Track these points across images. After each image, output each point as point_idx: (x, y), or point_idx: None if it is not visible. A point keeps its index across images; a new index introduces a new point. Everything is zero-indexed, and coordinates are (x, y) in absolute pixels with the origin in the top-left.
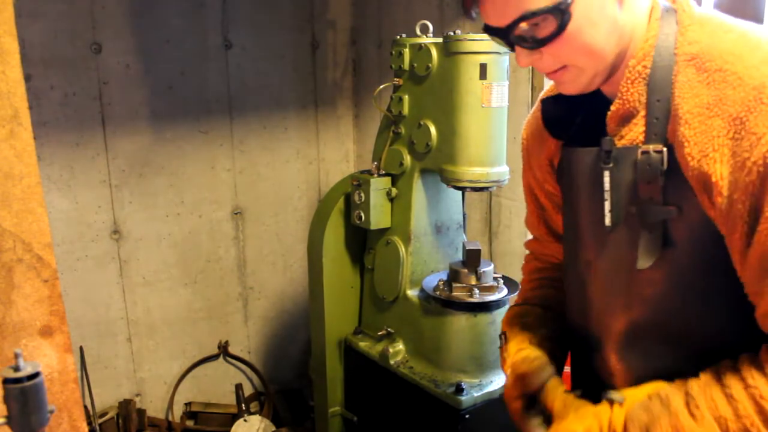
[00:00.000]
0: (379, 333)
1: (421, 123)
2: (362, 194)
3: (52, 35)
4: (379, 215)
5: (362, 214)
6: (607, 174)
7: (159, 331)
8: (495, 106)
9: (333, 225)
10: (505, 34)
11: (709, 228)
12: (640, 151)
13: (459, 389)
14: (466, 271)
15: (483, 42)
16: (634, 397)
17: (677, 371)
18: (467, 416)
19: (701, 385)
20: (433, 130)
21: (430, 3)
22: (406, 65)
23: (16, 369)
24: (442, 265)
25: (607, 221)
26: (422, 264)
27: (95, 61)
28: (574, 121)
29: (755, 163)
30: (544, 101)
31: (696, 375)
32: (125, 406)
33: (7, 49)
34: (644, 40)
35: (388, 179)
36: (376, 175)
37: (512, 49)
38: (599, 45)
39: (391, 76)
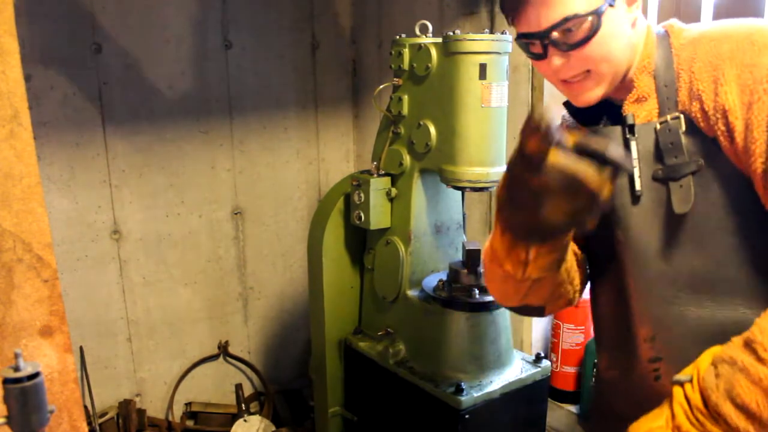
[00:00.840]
0: (379, 333)
1: (421, 123)
2: (362, 194)
3: (52, 35)
4: (378, 215)
5: (362, 214)
6: (634, 143)
7: (159, 331)
8: (495, 106)
9: (333, 225)
10: (541, 38)
11: (735, 175)
12: (658, 122)
13: (459, 389)
14: (466, 271)
15: (483, 42)
16: (699, 371)
17: (721, 321)
18: (467, 416)
19: (757, 331)
20: (432, 130)
21: (430, 3)
22: (405, 65)
23: (16, 369)
24: (442, 265)
25: (638, 186)
26: (422, 264)
27: (95, 61)
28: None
29: (756, 87)
30: (566, 103)
31: (736, 323)
32: (125, 406)
33: (7, 49)
34: (646, 45)
35: (387, 179)
36: (375, 175)
37: (537, 57)
38: (618, 54)
39: (391, 76)
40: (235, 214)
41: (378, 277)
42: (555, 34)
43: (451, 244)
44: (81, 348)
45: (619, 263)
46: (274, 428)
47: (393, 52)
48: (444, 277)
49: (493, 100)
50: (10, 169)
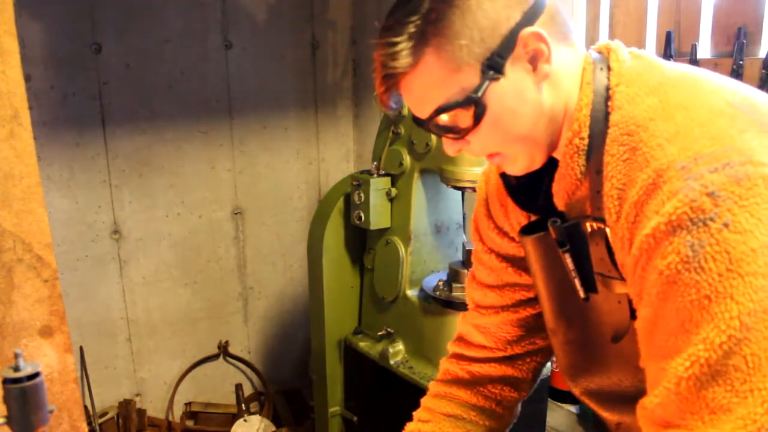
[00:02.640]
0: (379, 333)
1: None
2: (362, 194)
3: (52, 35)
4: (378, 215)
5: (362, 214)
6: (568, 257)
7: (159, 331)
8: None
9: (333, 225)
10: (428, 127)
11: None
12: (588, 223)
13: None
14: (465, 271)
15: None
16: None
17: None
18: None
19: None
20: None
21: None
22: None
23: (16, 369)
24: (442, 265)
25: (581, 294)
26: (422, 264)
27: (95, 61)
28: (541, 189)
29: (636, 244)
30: (503, 175)
31: None
32: (125, 406)
33: (7, 49)
34: (578, 110)
35: (387, 179)
36: (375, 175)
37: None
38: (525, 131)
39: None
40: (235, 214)
41: (378, 277)
42: (438, 124)
43: (451, 244)
44: (81, 348)
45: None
46: (274, 428)
47: None
48: (444, 277)
49: None
50: (10, 169)
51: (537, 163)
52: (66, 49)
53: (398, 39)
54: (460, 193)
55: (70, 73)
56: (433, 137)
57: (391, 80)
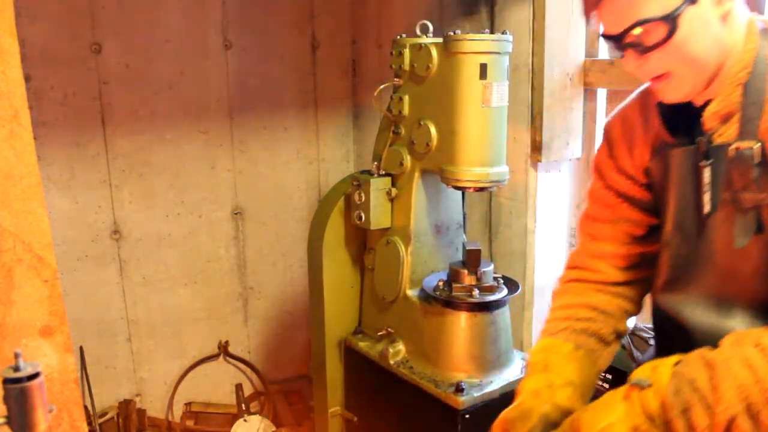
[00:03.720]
0: (379, 333)
1: (421, 123)
2: (362, 194)
3: (52, 35)
4: (379, 215)
5: (362, 214)
6: (707, 170)
7: (159, 331)
8: (495, 106)
9: (333, 225)
10: (618, 40)
11: None
12: (734, 147)
13: (459, 389)
14: (466, 271)
15: (483, 42)
16: (661, 384)
17: None
18: (467, 416)
19: (717, 355)
20: (433, 130)
21: (430, 3)
22: (406, 65)
23: (16, 369)
24: (442, 265)
25: (707, 209)
26: (422, 264)
27: (95, 61)
28: (688, 117)
29: None
30: (659, 104)
31: None
32: (125, 406)
33: (7, 49)
34: (744, 51)
35: (388, 179)
36: (376, 175)
37: (620, 56)
38: (701, 56)
39: (391, 76)
40: (235, 214)
41: (378, 277)
42: (629, 38)
43: (451, 244)
44: (81, 348)
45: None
46: (274, 428)
47: (393, 52)
48: (444, 277)
49: (494, 100)
50: (10, 169)
51: (696, 90)
52: (66, 49)
53: None
54: (460, 193)
55: (70, 73)
56: (433, 137)
57: None
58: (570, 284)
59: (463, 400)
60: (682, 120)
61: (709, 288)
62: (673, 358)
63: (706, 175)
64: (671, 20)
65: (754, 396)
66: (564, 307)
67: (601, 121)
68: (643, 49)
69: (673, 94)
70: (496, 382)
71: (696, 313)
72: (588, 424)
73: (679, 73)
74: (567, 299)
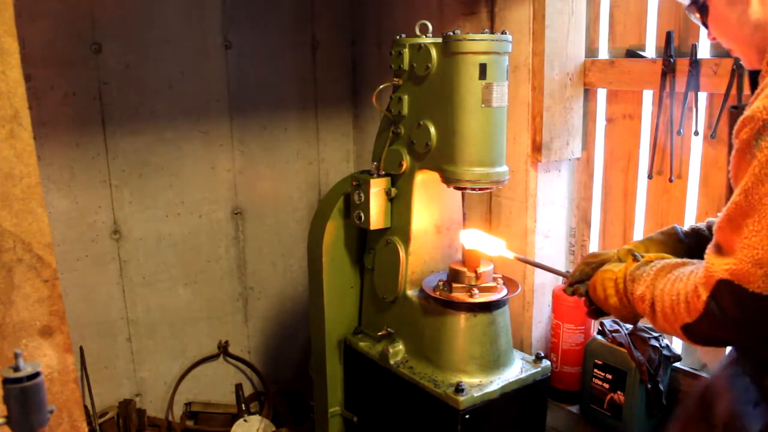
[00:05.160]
0: (379, 333)
1: (421, 123)
2: (362, 194)
3: (52, 35)
4: (378, 215)
5: (362, 214)
6: None
7: (159, 331)
8: (495, 106)
9: (333, 225)
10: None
11: None
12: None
13: (459, 389)
14: (466, 271)
15: (483, 42)
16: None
17: None
18: (467, 416)
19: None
20: (432, 130)
21: (430, 3)
22: (405, 65)
23: (16, 369)
24: (442, 265)
25: None
26: (422, 264)
27: (95, 61)
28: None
29: None
30: (748, 72)
31: None
32: (125, 406)
33: (7, 49)
34: None
35: (387, 179)
36: (375, 175)
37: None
38: (733, 34)
39: (391, 76)
40: (235, 214)
41: (378, 277)
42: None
43: (451, 244)
44: (81, 348)
45: None
46: (274, 428)
47: (393, 52)
48: (444, 277)
49: (494, 100)
50: (10, 169)
51: (752, 63)
52: (66, 49)
53: None
54: (460, 193)
55: (70, 73)
56: (433, 137)
57: None
58: None
59: (463, 400)
60: None
61: None
62: (662, 255)
63: None
64: (699, 6)
65: (657, 292)
66: None
67: (601, 121)
68: (702, 24)
69: (744, 64)
70: (496, 382)
71: None
72: (600, 271)
73: (732, 48)
74: None
